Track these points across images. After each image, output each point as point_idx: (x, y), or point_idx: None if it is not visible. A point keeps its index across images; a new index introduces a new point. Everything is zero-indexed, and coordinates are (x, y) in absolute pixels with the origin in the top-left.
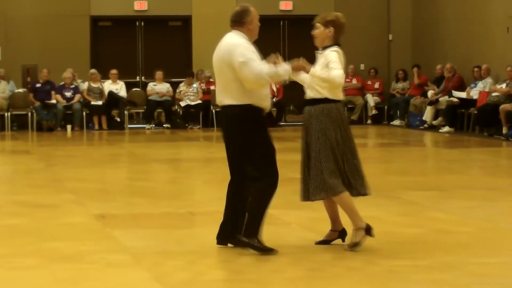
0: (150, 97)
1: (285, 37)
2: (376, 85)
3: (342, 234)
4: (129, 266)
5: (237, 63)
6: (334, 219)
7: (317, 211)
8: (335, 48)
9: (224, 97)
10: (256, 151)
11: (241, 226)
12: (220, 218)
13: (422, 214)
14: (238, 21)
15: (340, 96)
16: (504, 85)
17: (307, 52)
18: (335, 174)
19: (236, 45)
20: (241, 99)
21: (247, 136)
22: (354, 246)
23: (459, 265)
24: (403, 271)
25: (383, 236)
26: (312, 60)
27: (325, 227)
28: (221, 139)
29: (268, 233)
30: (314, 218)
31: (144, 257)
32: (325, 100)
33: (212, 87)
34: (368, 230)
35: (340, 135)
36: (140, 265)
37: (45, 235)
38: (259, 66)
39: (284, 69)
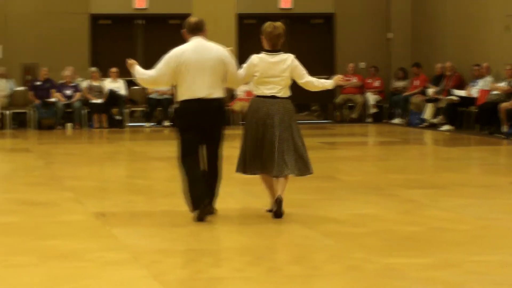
0: (150, 96)
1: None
2: (376, 83)
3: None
4: (127, 264)
5: (234, 65)
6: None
7: (313, 209)
8: (252, 56)
9: (215, 91)
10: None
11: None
12: (220, 216)
13: (420, 212)
14: (201, 29)
15: (263, 92)
16: (504, 83)
17: (306, 50)
18: (242, 156)
19: (224, 50)
20: (223, 93)
21: (225, 124)
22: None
23: (456, 262)
24: (401, 269)
25: (381, 233)
26: (315, 58)
27: (325, 226)
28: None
29: (268, 231)
30: (313, 216)
31: (142, 255)
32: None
33: None
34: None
35: (255, 124)
36: (139, 263)
37: (43, 233)
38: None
39: None
